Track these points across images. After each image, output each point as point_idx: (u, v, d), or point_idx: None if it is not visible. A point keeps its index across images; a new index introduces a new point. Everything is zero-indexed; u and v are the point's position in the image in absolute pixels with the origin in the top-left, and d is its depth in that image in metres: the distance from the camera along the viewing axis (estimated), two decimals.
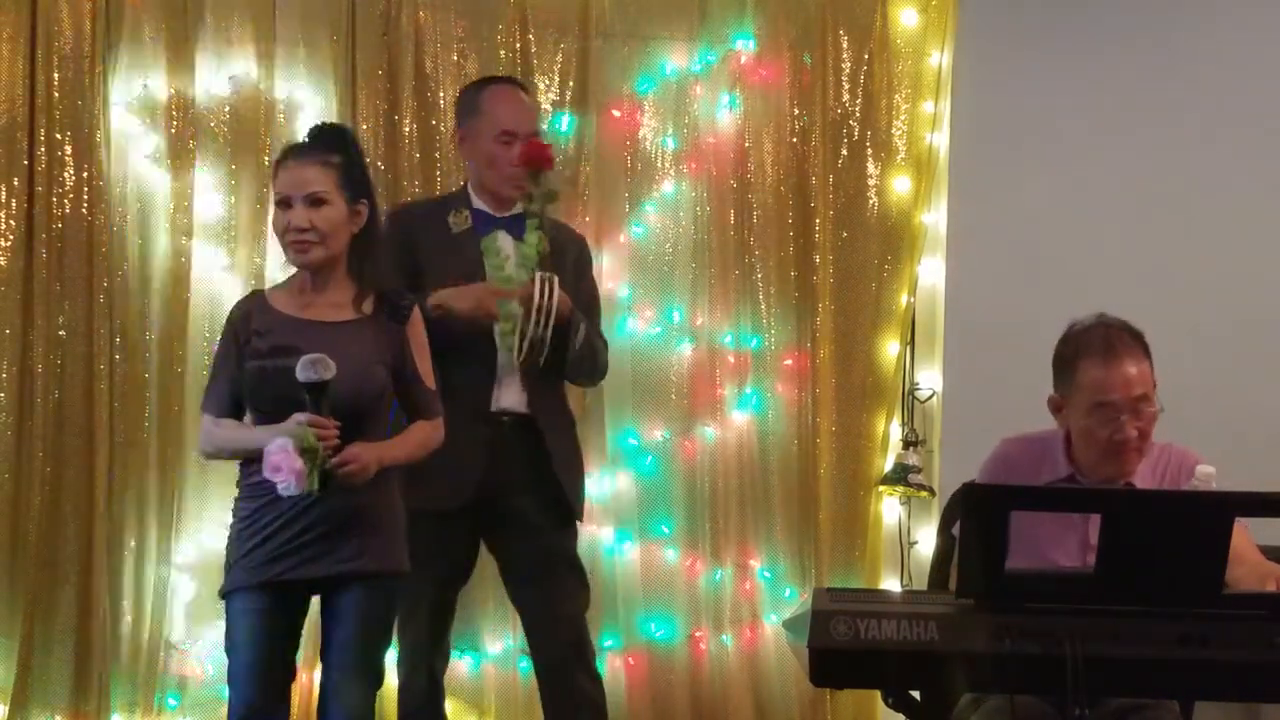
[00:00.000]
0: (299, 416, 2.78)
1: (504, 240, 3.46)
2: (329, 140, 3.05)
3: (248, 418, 2.98)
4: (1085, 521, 2.81)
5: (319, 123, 3.21)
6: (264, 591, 2.91)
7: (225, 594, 2.97)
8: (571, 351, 3.42)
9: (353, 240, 3.01)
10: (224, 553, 3.04)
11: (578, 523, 3.60)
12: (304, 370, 2.75)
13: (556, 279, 3.33)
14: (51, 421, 4.04)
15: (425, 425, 3.08)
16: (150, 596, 4.06)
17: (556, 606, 3.48)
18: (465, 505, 3.38)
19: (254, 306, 3.05)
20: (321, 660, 3.01)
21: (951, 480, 3.55)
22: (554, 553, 3.49)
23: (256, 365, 2.91)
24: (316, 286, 3.01)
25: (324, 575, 2.91)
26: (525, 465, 3.42)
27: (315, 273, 3.00)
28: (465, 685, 4.11)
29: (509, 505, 3.43)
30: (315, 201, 2.94)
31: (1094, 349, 2.80)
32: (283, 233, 2.96)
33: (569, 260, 3.55)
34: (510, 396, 3.43)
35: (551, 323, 3.29)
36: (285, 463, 2.75)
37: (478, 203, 3.53)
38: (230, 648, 2.95)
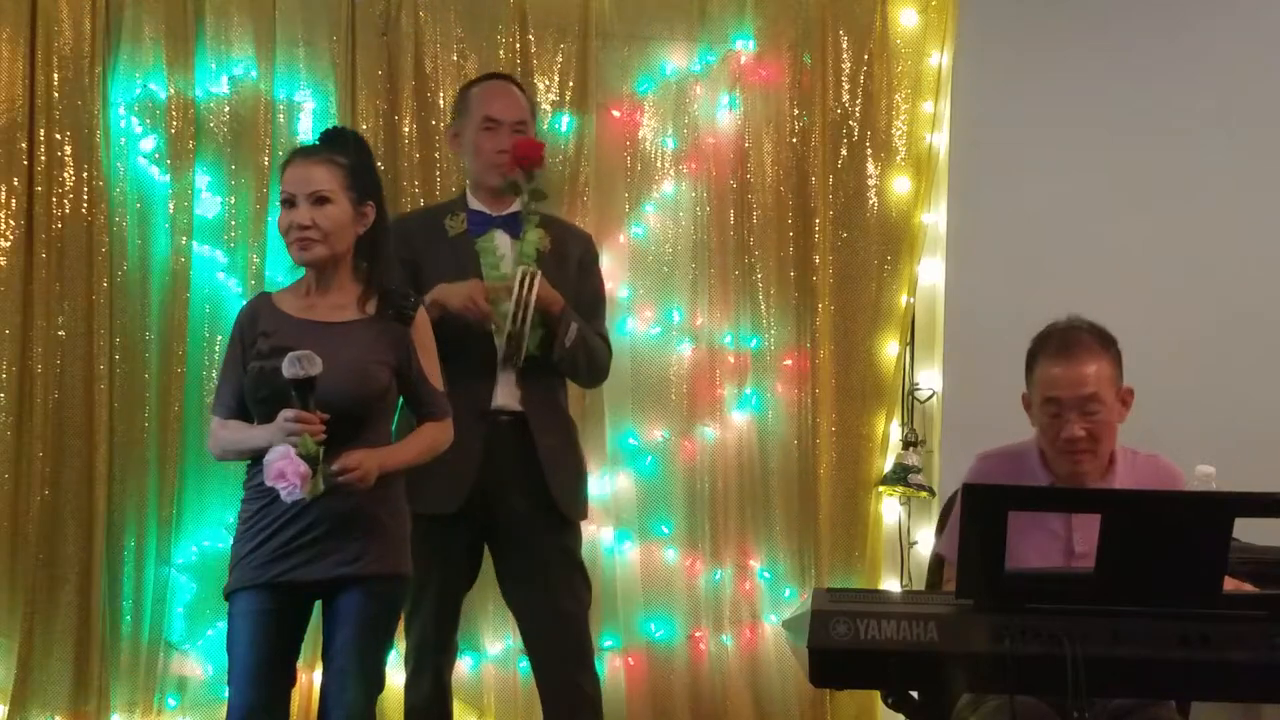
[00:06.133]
0: (286, 413, 2.79)
1: (500, 239, 3.47)
2: (337, 142, 3.07)
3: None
4: (1069, 530, 2.82)
5: (330, 126, 3.24)
6: (266, 593, 2.91)
7: (228, 594, 2.98)
8: (559, 348, 3.40)
9: (358, 241, 3.02)
10: (224, 553, 3.05)
11: (580, 522, 3.58)
12: (290, 366, 2.75)
13: (539, 273, 3.33)
14: (51, 421, 4.03)
15: (433, 426, 3.09)
16: (150, 596, 4.06)
17: (553, 606, 3.46)
18: (464, 507, 3.37)
19: (260, 308, 3.07)
20: (322, 663, 3.01)
21: (951, 481, 3.56)
22: (549, 552, 3.47)
23: (256, 365, 2.91)
24: (320, 288, 3.03)
25: (324, 578, 2.91)
26: (518, 464, 3.41)
27: (319, 274, 3.02)
28: (465, 685, 4.10)
29: (504, 506, 3.42)
30: (319, 200, 2.96)
31: (1050, 346, 2.84)
32: (286, 230, 2.99)
33: (572, 259, 3.55)
34: (505, 395, 3.42)
35: (529, 317, 3.29)
36: (289, 468, 2.75)
37: (475, 204, 3.54)
38: (230, 649, 2.95)
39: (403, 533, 3.05)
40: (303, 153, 3.05)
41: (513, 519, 3.43)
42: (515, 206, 3.50)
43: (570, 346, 3.42)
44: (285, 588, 2.91)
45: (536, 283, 3.29)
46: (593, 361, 3.55)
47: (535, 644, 3.51)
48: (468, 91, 3.62)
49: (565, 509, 3.46)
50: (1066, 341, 2.82)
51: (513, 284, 3.30)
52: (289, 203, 2.98)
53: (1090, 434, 2.78)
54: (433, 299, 3.32)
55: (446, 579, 3.45)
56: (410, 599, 3.37)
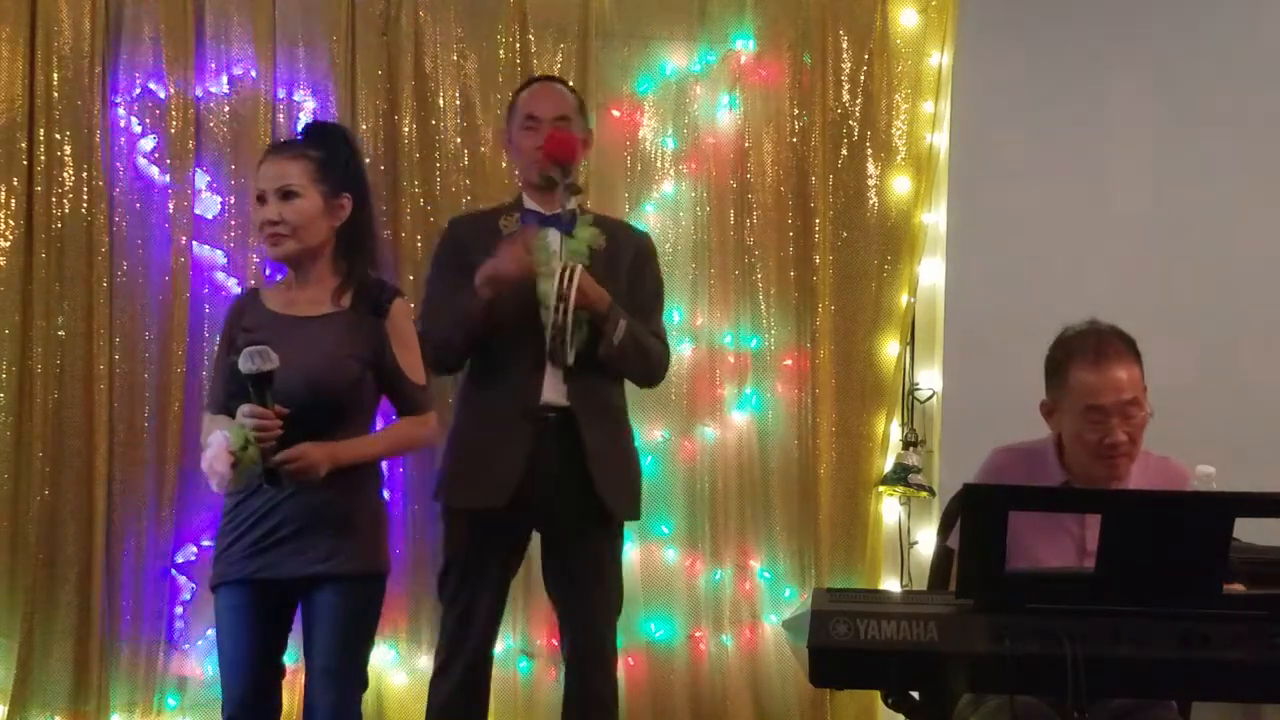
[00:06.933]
0: (243, 408, 2.80)
1: (552, 236, 3.45)
2: (314, 136, 3.09)
3: None
4: (1082, 528, 2.82)
5: (311, 120, 3.24)
6: (245, 588, 2.93)
7: (213, 588, 3.00)
8: (605, 346, 3.39)
9: (339, 234, 3.02)
10: None
11: (628, 522, 3.60)
12: (245, 362, 2.76)
13: (580, 268, 3.32)
14: (51, 421, 4.03)
15: (408, 421, 3.08)
16: (150, 596, 4.06)
17: (583, 608, 3.49)
18: (511, 502, 3.36)
19: (247, 304, 3.09)
20: (304, 662, 3.01)
21: (951, 481, 3.56)
22: (595, 552, 3.49)
23: (233, 361, 2.91)
24: (300, 282, 3.04)
25: (298, 575, 2.91)
26: (565, 461, 3.40)
27: (298, 268, 3.03)
28: None
29: (552, 502, 3.42)
30: (286, 194, 2.96)
31: (1084, 353, 2.82)
32: (259, 227, 3.01)
33: (625, 258, 3.55)
34: (552, 391, 3.42)
35: (569, 310, 3.28)
36: (211, 460, 2.78)
37: (529, 204, 3.55)
38: (218, 643, 2.98)
39: (378, 531, 3.04)
40: (275, 148, 3.08)
41: (561, 516, 3.44)
42: (569, 206, 3.48)
43: (619, 345, 3.40)
44: (263, 583, 2.92)
45: (577, 276, 3.29)
46: (646, 360, 3.54)
47: (563, 641, 3.54)
48: (515, 97, 3.66)
49: (612, 508, 3.47)
50: (1101, 348, 2.81)
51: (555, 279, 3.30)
52: (260, 199, 3.00)
53: (1130, 437, 2.80)
54: (481, 280, 3.32)
55: (490, 575, 3.44)
56: (449, 594, 3.42)
